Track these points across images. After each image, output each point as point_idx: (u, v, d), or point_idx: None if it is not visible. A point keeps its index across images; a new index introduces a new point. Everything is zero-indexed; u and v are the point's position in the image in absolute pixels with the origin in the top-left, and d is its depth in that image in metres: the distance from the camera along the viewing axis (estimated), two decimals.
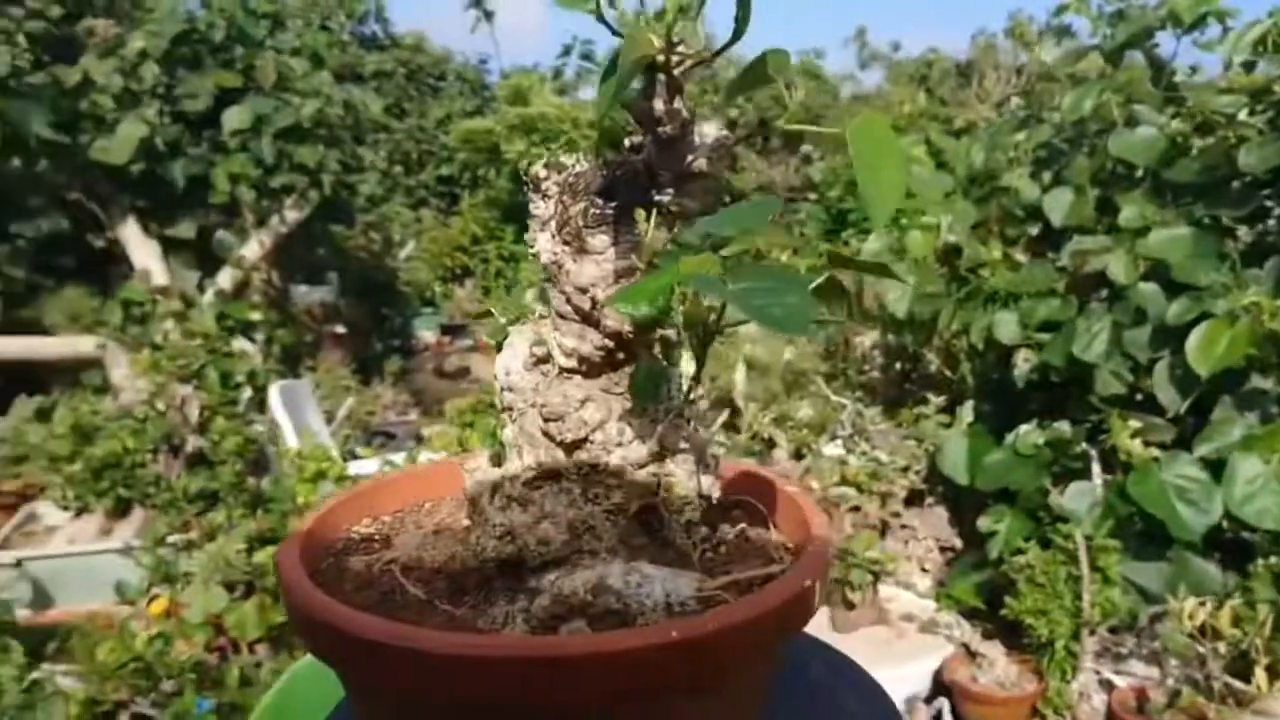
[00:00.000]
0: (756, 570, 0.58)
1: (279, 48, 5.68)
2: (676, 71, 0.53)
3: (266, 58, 5.40)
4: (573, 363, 0.61)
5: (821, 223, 6.29)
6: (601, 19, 0.51)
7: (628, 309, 0.48)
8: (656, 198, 0.57)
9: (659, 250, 0.57)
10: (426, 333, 9.74)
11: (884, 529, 3.24)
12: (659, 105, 0.54)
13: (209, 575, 2.80)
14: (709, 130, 0.57)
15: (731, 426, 4.56)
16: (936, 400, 3.50)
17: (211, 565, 2.82)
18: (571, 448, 0.61)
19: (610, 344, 0.60)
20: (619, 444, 0.60)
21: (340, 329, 7.28)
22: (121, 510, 4.23)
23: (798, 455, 3.95)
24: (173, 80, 5.42)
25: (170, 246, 5.77)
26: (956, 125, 6.61)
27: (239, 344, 5.20)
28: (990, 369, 3.48)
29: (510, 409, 0.64)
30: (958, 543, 3.49)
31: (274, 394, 3.90)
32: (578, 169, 0.59)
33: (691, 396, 0.63)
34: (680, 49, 0.51)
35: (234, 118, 5.30)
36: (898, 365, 4.27)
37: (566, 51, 9.51)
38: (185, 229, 5.70)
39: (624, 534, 0.61)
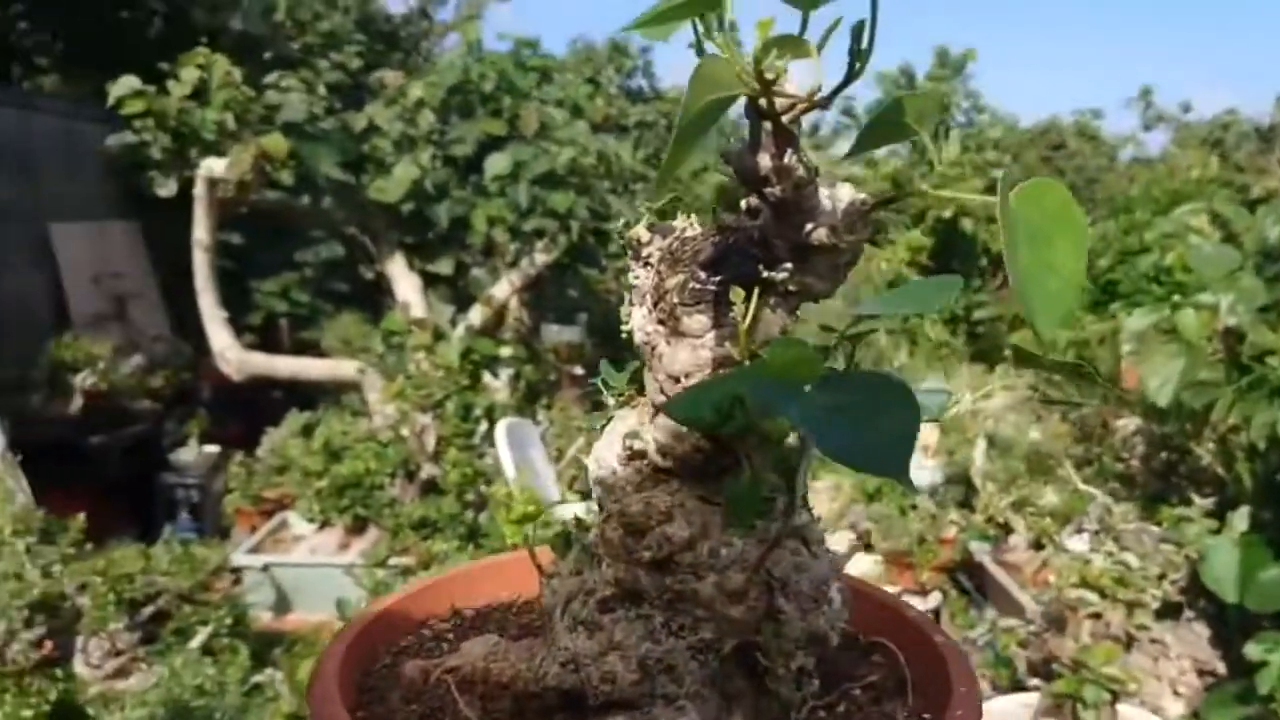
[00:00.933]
0: None
1: (544, 99, 5.94)
2: (786, 119, 0.42)
3: (530, 108, 5.65)
4: (668, 463, 0.51)
5: (1088, 293, 5.83)
6: (701, 52, 0.42)
7: (686, 415, 0.38)
8: (765, 274, 0.47)
9: (770, 338, 0.47)
10: None
11: (1129, 642, 2.87)
12: (765, 160, 0.44)
13: None
14: (842, 194, 0.47)
15: (966, 505, 4.26)
16: (1203, 502, 3.09)
17: None
18: (654, 567, 0.51)
19: (707, 445, 0.50)
20: (712, 568, 0.50)
21: (580, 370, 7.46)
22: (359, 528, 4.47)
23: (1037, 545, 3.61)
24: (445, 127, 5.78)
25: (430, 281, 6.13)
26: (1253, 194, 5.96)
27: (488, 378, 5.43)
28: (1273, 471, 3.03)
29: (601, 507, 0.55)
30: (1220, 667, 3.05)
31: (500, 431, 4.00)
32: (686, 234, 0.50)
33: (808, 517, 0.51)
34: (784, 88, 0.41)
35: (496, 163, 5.57)
36: (1161, 456, 3.83)
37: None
38: (444, 265, 6.04)
39: (715, 676, 0.51)
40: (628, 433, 0.53)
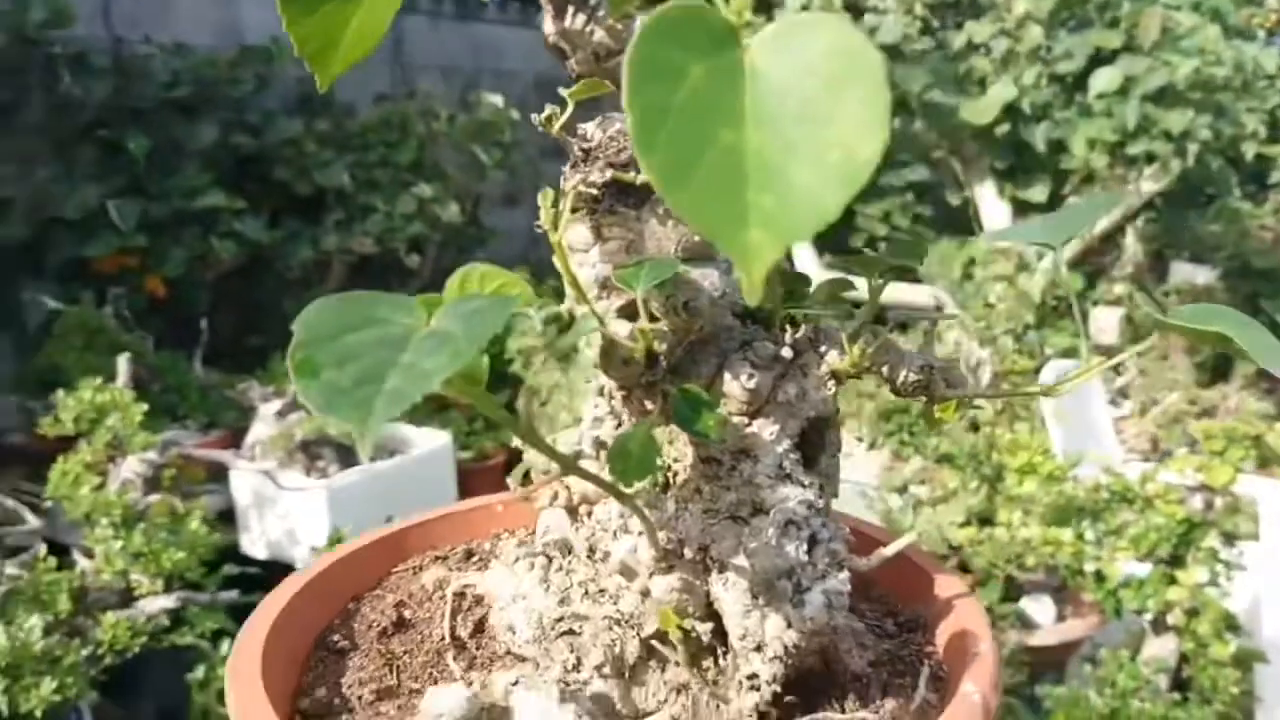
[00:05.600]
0: None
1: (1173, 3, 5.18)
2: None
3: (1154, 13, 4.97)
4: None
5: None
6: None
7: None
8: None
9: (660, 254, 0.37)
10: None
11: None
12: (548, 26, 0.33)
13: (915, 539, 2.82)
14: None
15: None
16: None
17: (924, 525, 2.82)
18: (572, 513, 0.44)
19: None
20: (622, 530, 0.41)
21: None
22: (906, 455, 4.45)
23: None
24: (1052, 42, 5.35)
25: (1022, 209, 5.81)
26: None
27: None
28: None
29: None
30: None
31: (1046, 375, 3.64)
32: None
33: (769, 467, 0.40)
34: None
35: (1103, 79, 5.02)
36: None
37: None
38: (1038, 192, 5.67)
39: (646, 653, 0.42)
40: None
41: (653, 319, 0.39)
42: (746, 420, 0.42)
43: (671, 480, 0.43)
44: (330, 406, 0.24)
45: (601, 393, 0.44)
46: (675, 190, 0.23)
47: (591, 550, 0.44)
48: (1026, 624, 2.64)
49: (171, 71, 3.57)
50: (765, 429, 0.42)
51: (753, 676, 0.41)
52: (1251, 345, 0.34)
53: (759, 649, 0.40)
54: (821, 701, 0.42)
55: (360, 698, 0.44)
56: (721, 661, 0.42)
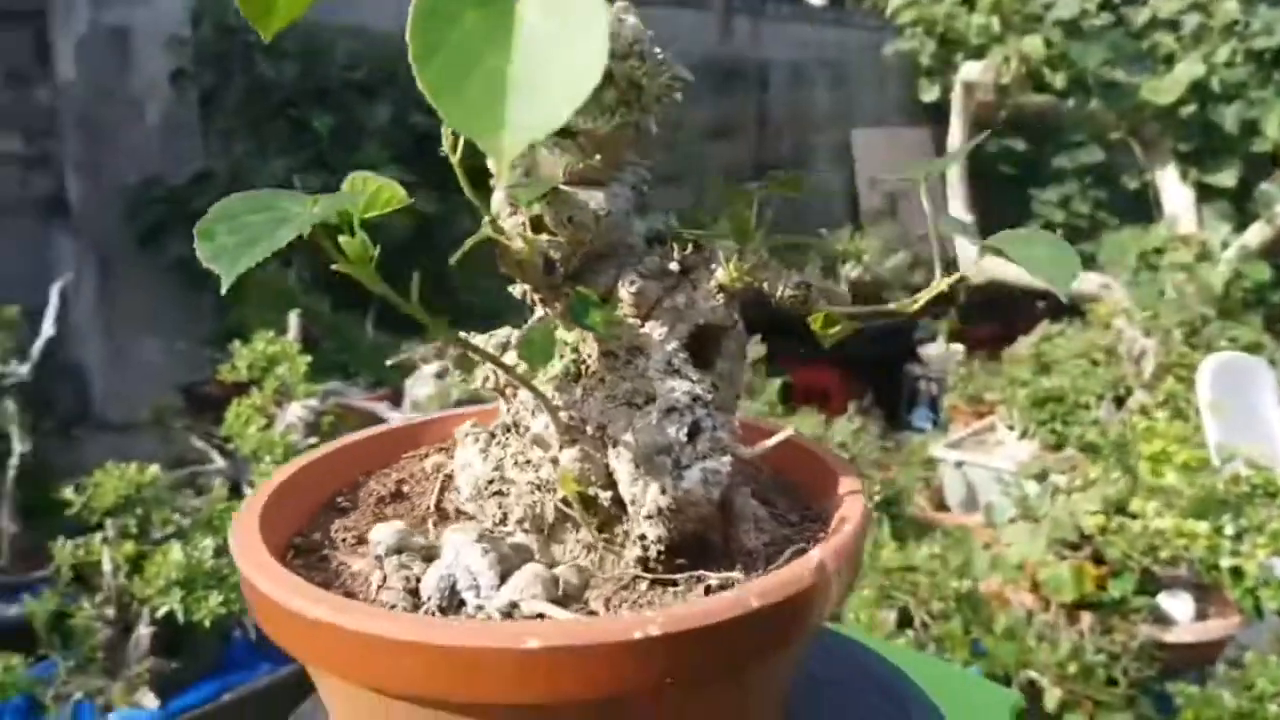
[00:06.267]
0: None
1: None
2: None
3: None
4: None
5: None
6: None
7: None
8: None
9: (550, 179, 0.45)
10: None
11: None
12: None
13: (1048, 526, 2.76)
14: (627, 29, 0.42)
15: None
16: None
17: (1055, 517, 2.77)
18: (502, 394, 0.53)
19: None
20: (539, 409, 0.50)
21: None
22: (1057, 445, 4.30)
23: None
24: (1250, 16, 5.01)
25: (1206, 194, 5.47)
26: None
27: None
28: None
29: None
30: None
31: (1206, 367, 3.43)
32: None
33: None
34: None
35: None
36: None
37: None
38: (1226, 177, 5.32)
39: (564, 518, 0.51)
40: None
41: (550, 232, 0.48)
42: (639, 322, 0.50)
43: (583, 371, 0.52)
44: (214, 259, 0.35)
45: (525, 297, 0.53)
46: (444, 101, 0.32)
47: (517, 425, 0.53)
48: (1161, 619, 2.55)
49: (350, 53, 3.80)
50: (655, 330, 0.50)
51: (643, 537, 0.49)
52: (1034, 262, 0.39)
53: (654, 516, 0.49)
54: (711, 566, 0.50)
55: (344, 540, 0.55)
56: (625, 526, 0.50)
